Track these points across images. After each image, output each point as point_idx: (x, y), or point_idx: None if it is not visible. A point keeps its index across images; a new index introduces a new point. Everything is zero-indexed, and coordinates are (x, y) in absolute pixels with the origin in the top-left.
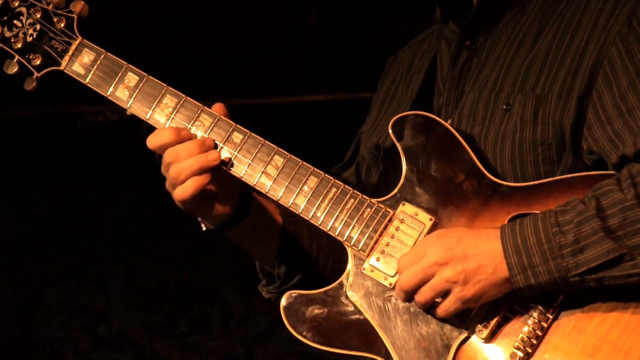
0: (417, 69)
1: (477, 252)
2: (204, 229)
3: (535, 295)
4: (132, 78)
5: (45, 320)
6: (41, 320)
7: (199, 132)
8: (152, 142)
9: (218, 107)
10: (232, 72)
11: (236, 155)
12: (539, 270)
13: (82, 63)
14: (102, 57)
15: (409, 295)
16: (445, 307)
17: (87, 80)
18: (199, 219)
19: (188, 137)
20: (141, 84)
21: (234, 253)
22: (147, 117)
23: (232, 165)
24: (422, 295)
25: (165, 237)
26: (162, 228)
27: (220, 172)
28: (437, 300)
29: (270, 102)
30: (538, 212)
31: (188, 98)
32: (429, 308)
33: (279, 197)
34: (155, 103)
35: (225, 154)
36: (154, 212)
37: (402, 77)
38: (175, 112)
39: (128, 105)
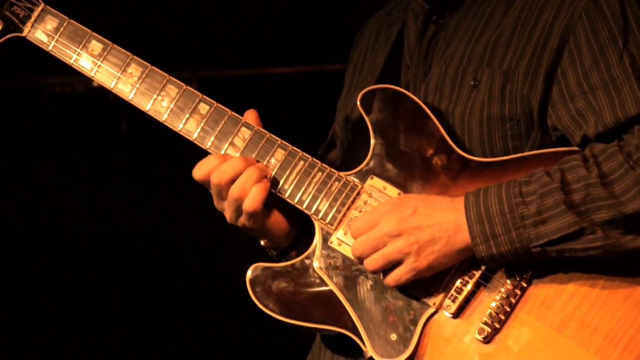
0: (383, 40)
1: (430, 224)
2: (274, 253)
3: (503, 271)
4: (96, 46)
5: None
6: None
7: (164, 102)
8: (198, 172)
9: (250, 115)
10: (203, 43)
11: (202, 127)
12: (500, 240)
13: (45, 30)
14: (65, 24)
15: (360, 262)
16: (397, 276)
17: (50, 47)
18: (263, 243)
19: (230, 158)
20: (105, 53)
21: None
22: (112, 86)
23: (199, 137)
24: (373, 263)
25: (132, 208)
26: (130, 200)
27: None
28: (388, 269)
29: (238, 74)
30: None
31: (154, 67)
32: (379, 275)
33: None
34: (120, 72)
35: (192, 126)
36: (122, 183)
37: (370, 48)
38: (140, 81)
39: (92, 74)
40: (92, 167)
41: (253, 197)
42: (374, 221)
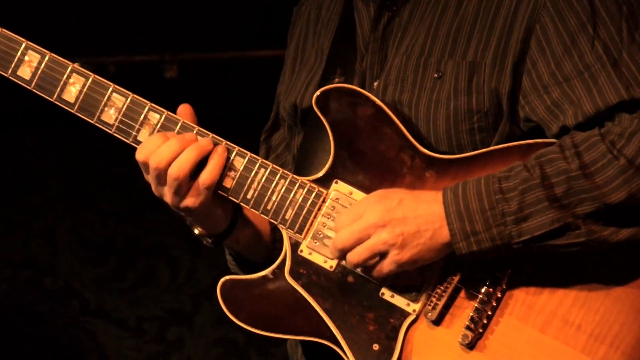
0: (325, 21)
1: (416, 216)
2: (208, 242)
3: (482, 273)
4: (34, 57)
5: None
6: None
7: (111, 112)
8: (140, 154)
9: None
10: (184, 26)
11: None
12: (481, 237)
13: None
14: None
15: (344, 254)
16: (380, 268)
17: None
18: (198, 231)
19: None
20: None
21: None
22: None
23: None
24: (356, 255)
25: (112, 190)
26: (109, 182)
27: None
28: (371, 262)
29: (218, 57)
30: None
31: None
32: (362, 269)
33: None
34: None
35: (143, 136)
36: (101, 165)
37: (311, 29)
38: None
39: (32, 87)
40: (75, 147)
41: (210, 171)
42: (360, 213)
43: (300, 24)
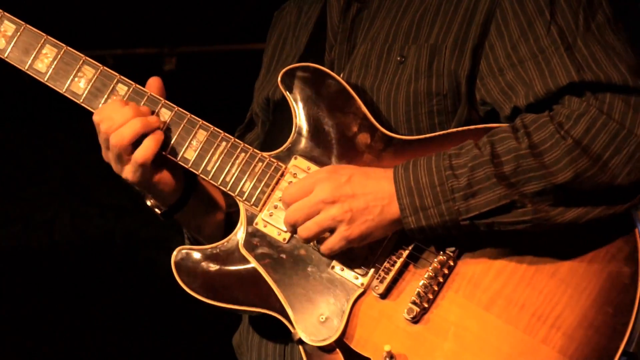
0: (304, 21)
1: (365, 192)
2: (159, 212)
3: (430, 250)
4: (9, 27)
5: None
6: None
7: (81, 83)
8: (97, 116)
9: (154, 82)
10: (183, 19)
11: None
12: (430, 212)
13: None
14: None
15: (295, 229)
16: (330, 244)
17: None
18: (151, 202)
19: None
20: (18, 33)
21: None
22: (26, 68)
23: None
24: (306, 230)
25: (111, 184)
26: (109, 175)
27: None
28: (322, 237)
29: (218, 49)
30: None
31: (69, 48)
32: (312, 243)
33: (167, 151)
34: (35, 53)
35: None
36: (100, 158)
37: (290, 30)
38: (55, 61)
39: (5, 55)
40: (73, 140)
41: (145, 149)
42: (308, 188)
43: (280, 27)
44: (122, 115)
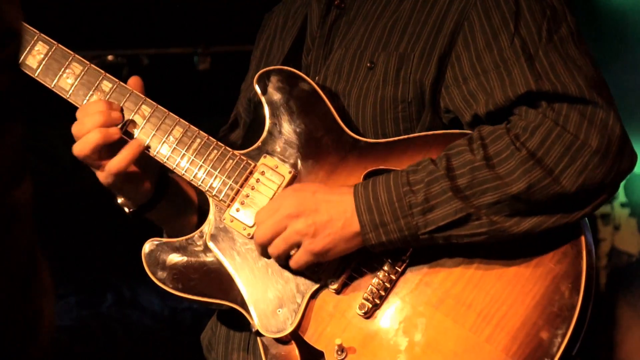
0: (290, 25)
1: (328, 207)
2: (127, 211)
3: (385, 250)
4: None
5: None
6: None
7: (69, 80)
8: (78, 113)
9: (135, 81)
10: (217, 19)
11: None
12: (389, 228)
13: None
14: None
15: (265, 250)
16: (296, 259)
17: None
18: (121, 201)
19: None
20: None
21: None
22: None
23: None
24: (275, 248)
25: None
26: None
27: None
28: (291, 253)
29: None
30: (393, 168)
31: (60, 45)
32: (283, 261)
33: (146, 145)
34: (29, 47)
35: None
36: None
37: (277, 34)
38: (46, 58)
39: None
40: None
41: (120, 160)
42: (276, 207)
43: (269, 29)
44: (92, 122)
